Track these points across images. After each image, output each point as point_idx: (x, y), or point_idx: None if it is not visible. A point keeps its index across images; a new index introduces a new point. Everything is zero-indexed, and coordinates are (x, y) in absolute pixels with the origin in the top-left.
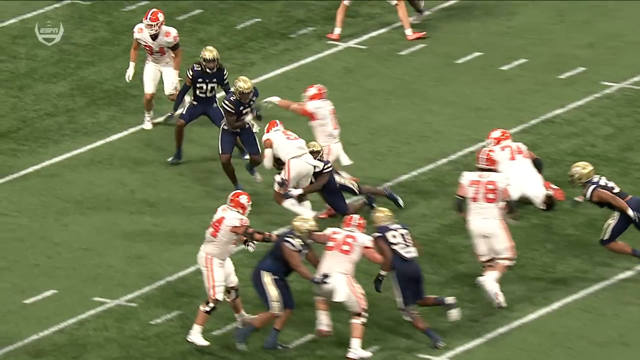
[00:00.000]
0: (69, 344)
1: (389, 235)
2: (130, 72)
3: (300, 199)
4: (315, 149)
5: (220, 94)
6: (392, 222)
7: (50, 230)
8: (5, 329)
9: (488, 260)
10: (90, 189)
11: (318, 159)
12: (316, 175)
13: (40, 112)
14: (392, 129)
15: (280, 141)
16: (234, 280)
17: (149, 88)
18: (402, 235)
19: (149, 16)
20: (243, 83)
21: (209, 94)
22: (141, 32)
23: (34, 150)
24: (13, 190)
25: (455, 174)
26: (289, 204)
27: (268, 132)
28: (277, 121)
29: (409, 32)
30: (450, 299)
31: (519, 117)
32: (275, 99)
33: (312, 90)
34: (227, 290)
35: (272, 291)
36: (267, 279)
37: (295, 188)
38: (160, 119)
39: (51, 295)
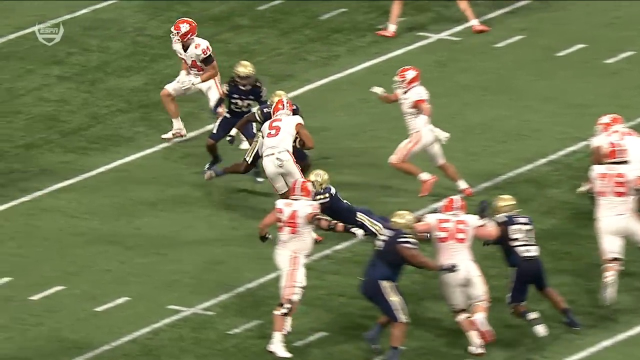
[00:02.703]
0: (142, 354)
1: (512, 228)
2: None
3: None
4: (314, 180)
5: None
6: (517, 214)
7: (122, 234)
8: (75, 337)
9: (613, 260)
10: (164, 190)
11: (318, 191)
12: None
13: (112, 108)
14: (487, 126)
15: (264, 136)
16: (304, 281)
17: (170, 87)
18: (526, 232)
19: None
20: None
21: (244, 109)
22: (176, 43)
23: (105, 148)
24: (83, 192)
25: (554, 175)
26: None
27: (275, 112)
28: (284, 100)
29: (475, 22)
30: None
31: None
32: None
33: (412, 73)
34: None
35: (395, 298)
36: (388, 287)
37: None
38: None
39: (124, 303)
